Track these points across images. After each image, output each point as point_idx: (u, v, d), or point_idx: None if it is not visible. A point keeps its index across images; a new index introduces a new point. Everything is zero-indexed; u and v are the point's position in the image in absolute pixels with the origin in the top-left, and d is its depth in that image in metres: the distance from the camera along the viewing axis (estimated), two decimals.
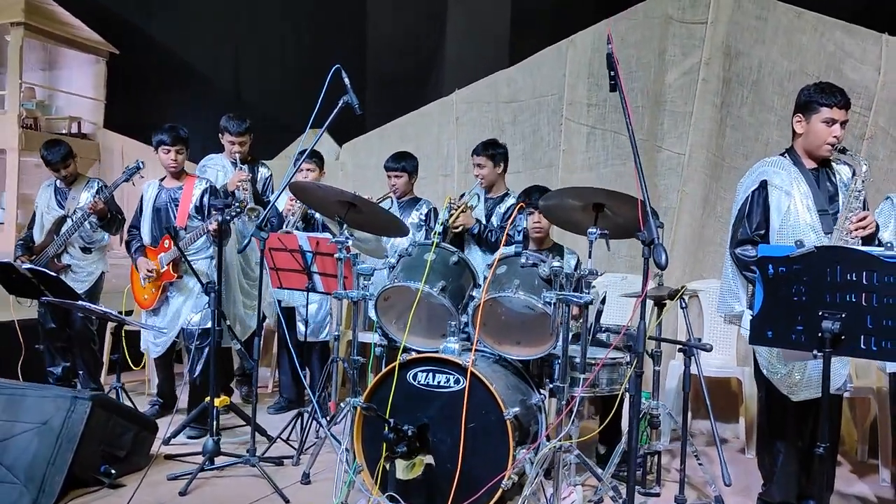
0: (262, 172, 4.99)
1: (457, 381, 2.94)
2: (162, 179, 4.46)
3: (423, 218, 4.56)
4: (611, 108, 5.13)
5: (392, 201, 4.58)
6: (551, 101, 5.39)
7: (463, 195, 4.39)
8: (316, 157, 4.73)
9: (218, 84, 12.56)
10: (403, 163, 4.64)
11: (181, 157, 4.34)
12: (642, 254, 2.44)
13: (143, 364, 4.91)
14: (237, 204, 3.75)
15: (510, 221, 3.17)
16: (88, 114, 11.95)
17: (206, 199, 4.33)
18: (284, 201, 4.64)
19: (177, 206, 4.34)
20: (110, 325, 5.20)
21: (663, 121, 4.89)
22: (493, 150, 4.45)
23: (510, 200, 4.40)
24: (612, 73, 2.76)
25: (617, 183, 5.06)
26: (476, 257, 4.27)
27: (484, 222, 4.37)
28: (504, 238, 3.78)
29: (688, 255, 4.77)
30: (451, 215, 4.23)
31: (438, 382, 2.98)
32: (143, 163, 4.67)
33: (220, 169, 4.88)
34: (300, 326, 4.65)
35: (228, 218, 3.74)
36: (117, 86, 12.03)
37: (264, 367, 5.54)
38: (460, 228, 4.30)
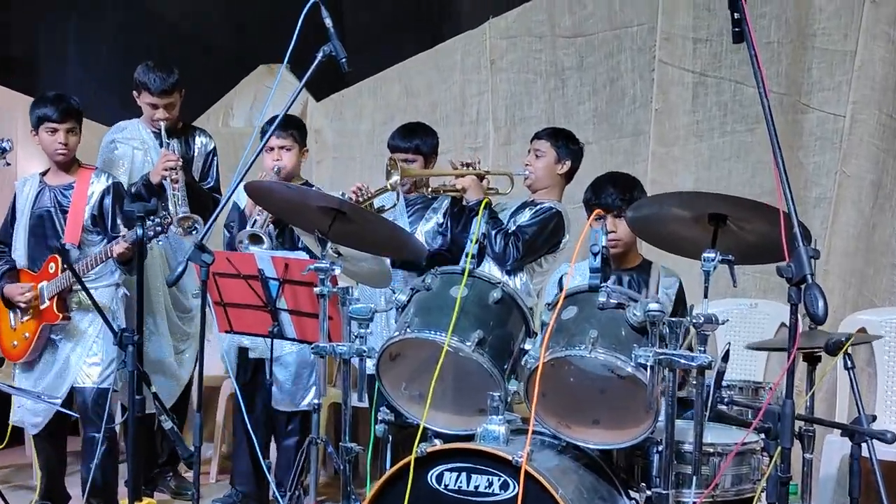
0: (201, 143, 5.08)
1: (504, 486, 2.96)
2: (44, 173, 4.56)
3: (442, 221, 4.59)
4: (730, 46, 5.11)
5: (397, 197, 4.60)
6: (638, 35, 5.42)
7: (492, 181, 4.40)
8: (292, 127, 4.73)
9: None
10: (417, 140, 4.66)
11: (73, 139, 4.43)
12: (788, 298, 2.45)
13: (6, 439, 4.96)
14: (158, 217, 3.80)
15: (579, 240, 3.13)
16: None
17: (108, 203, 4.42)
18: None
19: (66, 213, 4.44)
20: None
21: (811, 65, 4.90)
22: (564, 141, 4.45)
23: (548, 203, 4.40)
24: (737, 14, 2.78)
25: (741, 161, 5.09)
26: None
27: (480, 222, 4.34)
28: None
29: (850, 271, 4.79)
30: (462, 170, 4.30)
31: (476, 487, 3.00)
32: (9, 142, 4.72)
33: (136, 145, 4.97)
34: (273, 390, 4.69)
35: (147, 236, 3.80)
36: None
37: (206, 442, 5.60)
38: (459, 188, 4.34)
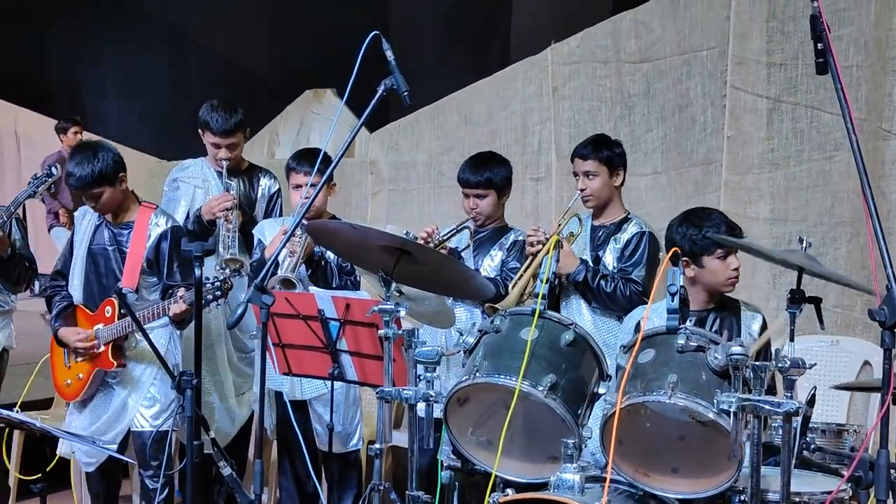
0: (265, 185, 5.16)
1: None
2: None
3: (508, 262, 4.60)
4: (806, 70, 5.13)
5: (467, 234, 4.63)
6: (708, 60, 5.43)
7: (564, 230, 4.43)
8: (310, 159, 4.63)
9: (161, 15, 12.95)
10: (489, 173, 4.62)
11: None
12: (882, 343, 2.45)
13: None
14: (219, 279, 3.85)
15: (656, 281, 3.16)
16: None
17: (164, 247, 4.47)
18: (272, 233, 4.75)
19: (123, 253, 4.48)
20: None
21: (892, 90, 4.87)
22: (609, 152, 4.46)
23: (633, 228, 4.43)
24: (821, 44, 2.79)
25: (819, 190, 5.06)
26: (576, 312, 4.31)
27: (590, 262, 4.41)
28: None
29: None
30: (539, 256, 4.26)
31: None
32: (57, 167, 4.83)
33: (198, 184, 5.07)
34: (317, 429, 4.75)
35: (205, 300, 3.87)
36: None
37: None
38: (556, 278, 4.33)
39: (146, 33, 13.35)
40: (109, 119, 13.36)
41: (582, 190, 4.46)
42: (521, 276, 4.35)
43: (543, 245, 4.31)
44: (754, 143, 5.27)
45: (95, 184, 4.37)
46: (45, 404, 5.85)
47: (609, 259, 4.44)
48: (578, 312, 4.37)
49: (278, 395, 4.75)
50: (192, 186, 5.05)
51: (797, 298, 2.94)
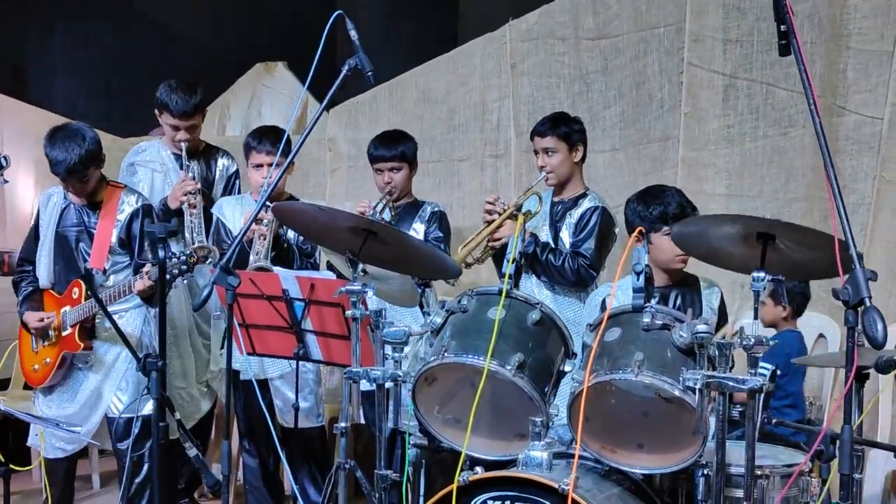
0: (223, 165, 5.16)
1: None
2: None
3: (431, 232, 4.71)
4: (762, 45, 5.19)
5: (386, 209, 4.72)
6: (665, 36, 5.47)
7: (523, 206, 4.50)
8: (270, 138, 4.66)
9: None
10: (402, 147, 4.78)
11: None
12: (845, 321, 2.51)
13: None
14: (185, 253, 3.83)
15: (621, 260, 3.22)
16: None
17: (136, 227, 4.44)
18: (233, 216, 4.75)
19: (91, 235, 4.44)
20: None
21: (846, 66, 4.96)
22: (568, 128, 4.54)
23: (587, 203, 4.52)
24: (784, 26, 2.83)
25: (774, 165, 5.13)
26: (531, 292, 4.36)
27: (545, 238, 4.49)
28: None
29: (891, 279, 4.83)
30: (494, 223, 4.35)
31: None
32: (6, 158, 4.75)
33: (156, 168, 5.05)
34: (278, 405, 4.77)
35: (170, 275, 3.84)
36: None
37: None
38: (500, 244, 4.42)
39: (91, 7, 13.14)
40: (55, 94, 13.16)
41: (542, 167, 4.52)
42: (473, 238, 4.46)
43: (500, 215, 4.42)
44: (710, 120, 5.33)
45: (85, 168, 4.32)
46: (2, 385, 5.84)
47: (565, 236, 4.52)
48: (533, 292, 4.40)
49: (237, 373, 4.75)
50: (149, 170, 5.03)
51: (763, 278, 2.99)
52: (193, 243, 4.61)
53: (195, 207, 4.72)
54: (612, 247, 4.59)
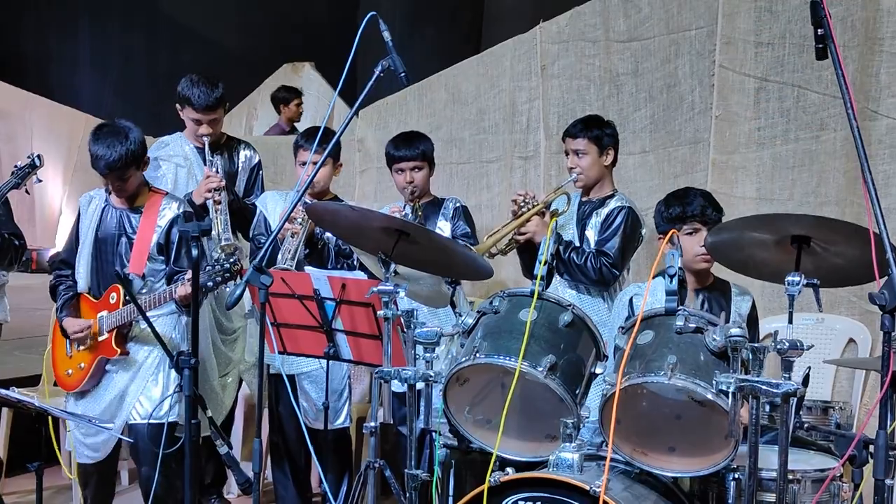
0: (245, 157, 5.20)
1: None
2: (110, 191, 4.51)
3: (457, 228, 4.76)
4: (794, 48, 5.17)
5: (407, 208, 4.74)
6: (697, 39, 5.46)
7: (552, 205, 4.52)
8: (326, 142, 4.76)
9: None
10: (422, 146, 4.83)
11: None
12: (881, 326, 2.51)
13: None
14: (226, 262, 3.86)
15: (656, 260, 3.23)
16: None
17: (175, 233, 4.41)
18: (275, 212, 4.79)
19: (131, 239, 4.43)
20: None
21: (879, 70, 4.91)
22: (600, 131, 4.55)
23: (614, 203, 4.54)
24: (821, 30, 2.84)
25: (805, 168, 5.11)
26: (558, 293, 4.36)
27: (569, 237, 4.51)
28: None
29: None
30: (522, 217, 4.38)
31: None
32: (40, 158, 4.79)
33: (179, 162, 5.08)
34: (304, 406, 4.81)
35: (211, 283, 3.87)
36: None
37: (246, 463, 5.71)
38: (524, 239, 4.46)
39: (117, 7, 13.25)
40: (81, 91, 13.26)
41: (571, 168, 4.54)
42: (500, 230, 4.49)
43: (528, 210, 4.45)
44: (741, 123, 5.31)
45: (126, 166, 4.31)
46: (32, 381, 5.89)
47: (591, 234, 4.54)
48: (556, 290, 4.40)
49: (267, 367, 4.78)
50: (173, 165, 5.07)
51: (798, 282, 2.99)
52: (220, 241, 4.65)
53: (220, 204, 4.75)
54: (638, 248, 4.62)
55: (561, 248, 4.41)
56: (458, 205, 4.90)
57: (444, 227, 4.80)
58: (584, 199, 4.64)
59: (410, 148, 4.80)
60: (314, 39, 11.91)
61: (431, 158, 4.88)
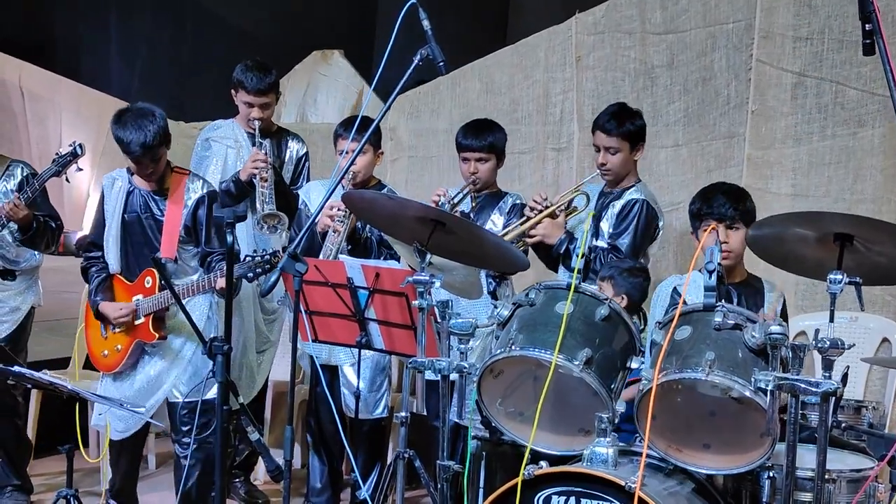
0: (294, 148, 5.25)
1: None
2: (132, 172, 4.52)
3: (508, 222, 4.68)
4: (833, 44, 5.14)
5: (467, 198, 4.72)
6: (734, 32, 5.42)
7: (571, 202, 4.52)
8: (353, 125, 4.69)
9: None
10: (492, 138, 4.74)
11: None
12: None
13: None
14: (267, 252, 3.87)
15: (694, 255, 3.20)
16: None
17: (202, 214, 4.44)
18: (317, 201, 4.80)
19: (159, 222, 4.43)
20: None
21: None
22: (632, 125, 4.51)
23: (630, 195, 4.50)
24: (869, 25, 2.81)
25: (842, 165, 5.08)
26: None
27: (586, 236, 4.47)
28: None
29: None
30: (531, 221, 4.40)
31: None
32: (82, 147, 4.81)
33: (230, 145, 5.14)
34: (345, 394, 4.81)
35: (251, 274, 3.88)
36: None
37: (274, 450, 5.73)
38: (533, 241, 4.45)
39: None
40: (113, 77, 13.34)
41: (602, 164, 4.51)
42: (510, 231, 4.49)
43: (541, 212, 4.43)
44: (778, 118, 5.27)
45: (159, 145, 4.33)
46: (61, 364, 5.93)
47: (605, 226, 4.51)
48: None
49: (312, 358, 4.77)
50: (224, 146, 5.14)
51: (840, 280, 2.97)
52: (264, 209, 4.74)
53: (266, 181, 4.82)
54: (655, 241, 4.58)
55: (571, 247, 4.39)
56: (517, 201, 4.78)
57: (497, 221, 4.73)
58: (605, 189, 4.61)
59: (478, 138, 4.71)
60: (335, 27, 11.94)
61: (501, 150, 4.77)
